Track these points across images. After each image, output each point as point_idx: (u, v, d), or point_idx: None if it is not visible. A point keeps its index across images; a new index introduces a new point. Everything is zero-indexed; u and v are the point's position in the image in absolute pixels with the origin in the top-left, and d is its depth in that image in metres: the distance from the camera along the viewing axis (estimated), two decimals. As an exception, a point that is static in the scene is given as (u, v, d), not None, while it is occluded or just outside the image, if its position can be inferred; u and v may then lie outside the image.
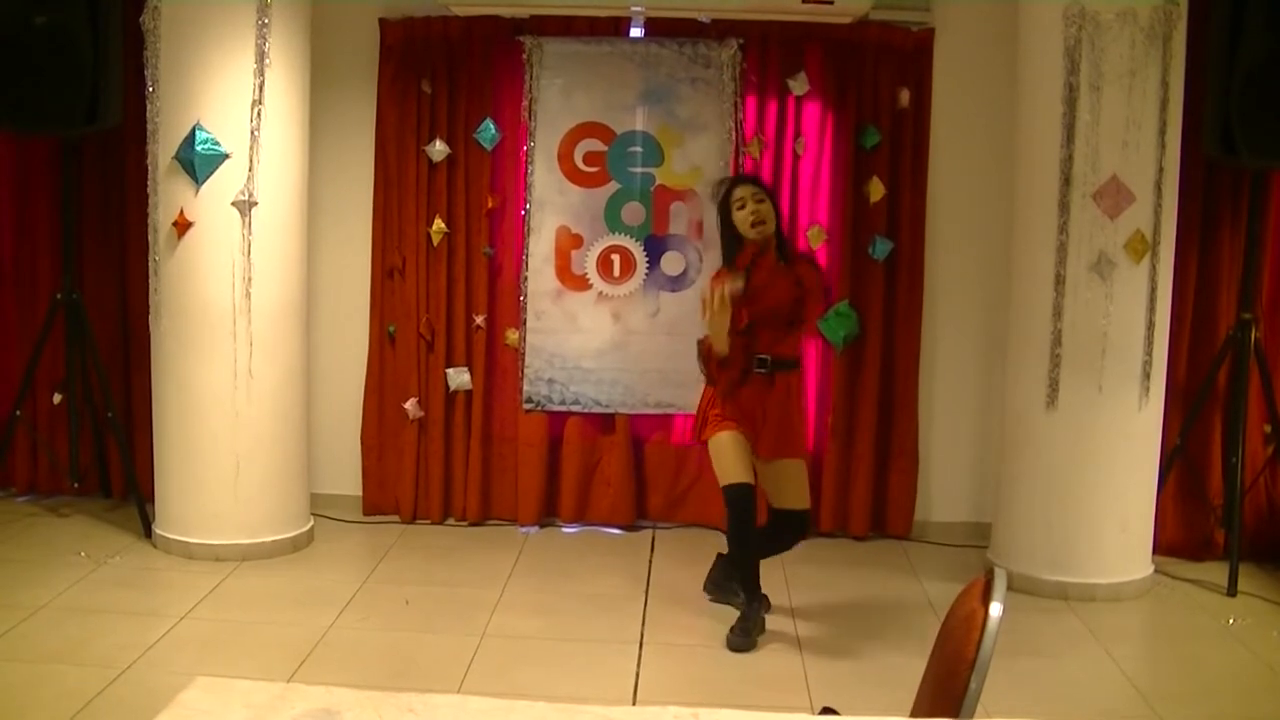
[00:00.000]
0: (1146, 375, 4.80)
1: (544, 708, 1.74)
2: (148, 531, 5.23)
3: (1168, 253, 4.83)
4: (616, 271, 5.60)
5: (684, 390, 5.42)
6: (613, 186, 5.62)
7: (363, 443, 5.77)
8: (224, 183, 4.90)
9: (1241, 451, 5.10)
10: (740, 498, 4.37)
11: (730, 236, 4.49)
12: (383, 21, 5.56)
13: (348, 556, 5.25)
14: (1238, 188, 5.25)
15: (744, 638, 4.31)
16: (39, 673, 3.79)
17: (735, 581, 4.57)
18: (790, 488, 4.50)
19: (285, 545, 5.17)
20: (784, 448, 4.45)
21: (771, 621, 4.53)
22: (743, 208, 4.40)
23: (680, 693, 3.88)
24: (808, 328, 4.70)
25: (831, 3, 5.04)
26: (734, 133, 5.51)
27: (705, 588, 4.81)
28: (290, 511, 5.23)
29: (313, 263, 5.41)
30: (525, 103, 5.57)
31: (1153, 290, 4.78)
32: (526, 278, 5.65)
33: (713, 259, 5.24)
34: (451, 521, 5.76)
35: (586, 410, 5.69)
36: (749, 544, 4.46)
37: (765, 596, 4.59)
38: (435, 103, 5.55)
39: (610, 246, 5.62)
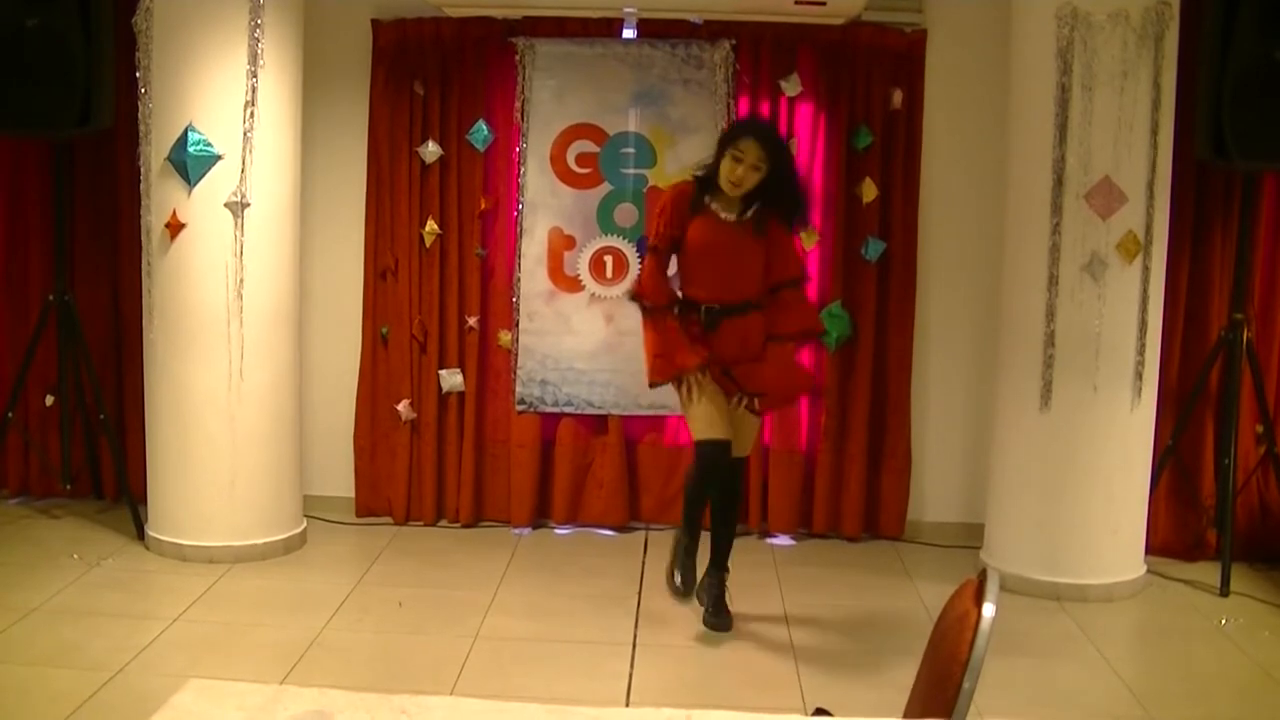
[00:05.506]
0: (1139, 376, 4.81)
1: (537, 709, 1.73)
2: (140, 534, 5.22)
3: (1160, 253, 4.85)
4: (609, 273, 5.59)
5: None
6: (605, 188, 5.62)
7: (355, 444, 5.76)
8: (216, 184, 4.90)
9: (1234, 452, 5.11)
10: (715, 457, 4.22)
11: (714, 173, 4.24)
12: (375, 23, 5.56)
13: (341, 558, 5.24)
14: (1229, 189, 5.26)
15: (718, 616, 4.41)
16: (31, 675, 3.78)
17: (680, 548, 4.42)
18: (747, 433, 4.42)
19: (278, 547, 5.16)
20: (783, 386, 4.41)
21: (764, 623, 4.53)
22: (739, 161, 4.14)
23: (673, 694, 3.88)
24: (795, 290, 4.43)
25: (824, 4, 5.04)
26: (726, 134, 5.51)
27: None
28: (283, 513, 5.22)
29: (305, 264, 5.40)
30: (518, 104, 5.57)
31: (1145, 291, 4.79)
32: (519, 279, 5.65)
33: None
34: (444, 523, 5.75)
35: (579, 412, 5.68)
36: (699, 506, 4.37)
37: (727, 569, 4.54)
38: (428, 104, 5.55)
39: (603, 248, 5.62)
